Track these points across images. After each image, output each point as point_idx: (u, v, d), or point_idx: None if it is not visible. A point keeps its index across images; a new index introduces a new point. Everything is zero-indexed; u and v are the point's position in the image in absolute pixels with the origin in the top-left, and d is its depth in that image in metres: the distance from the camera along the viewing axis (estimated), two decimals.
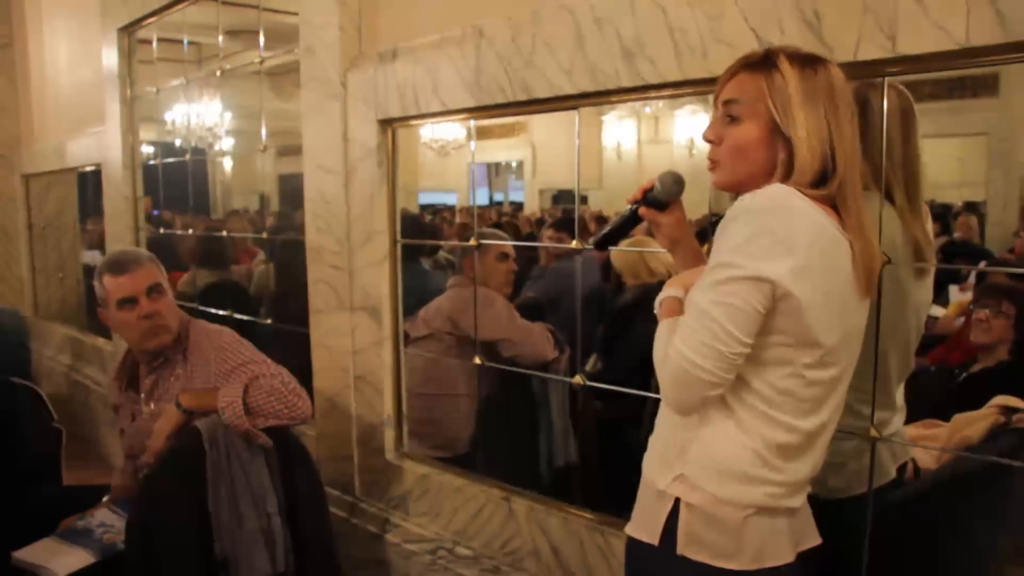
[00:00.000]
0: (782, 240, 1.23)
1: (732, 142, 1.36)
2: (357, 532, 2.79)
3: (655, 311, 1.43)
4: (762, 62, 1.33)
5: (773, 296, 1.24)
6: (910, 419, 1.81)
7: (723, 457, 1.33)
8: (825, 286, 1.27)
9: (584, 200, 2.37)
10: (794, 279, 1.23)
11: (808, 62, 1.32)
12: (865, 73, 1.58)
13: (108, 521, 2.38)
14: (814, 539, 1.44)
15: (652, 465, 1.44)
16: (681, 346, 1.26)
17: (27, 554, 2.26)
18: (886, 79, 1.57)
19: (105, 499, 2.51)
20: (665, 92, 1.97)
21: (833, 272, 1.28)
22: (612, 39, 1.96)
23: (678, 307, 1.36)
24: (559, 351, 2.86)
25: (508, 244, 3.01)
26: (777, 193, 1.26)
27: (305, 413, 2.21)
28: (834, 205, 1.30)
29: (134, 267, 2.34)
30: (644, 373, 2.70)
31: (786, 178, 1.31)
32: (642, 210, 1.52)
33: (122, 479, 2.55)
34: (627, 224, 1.57)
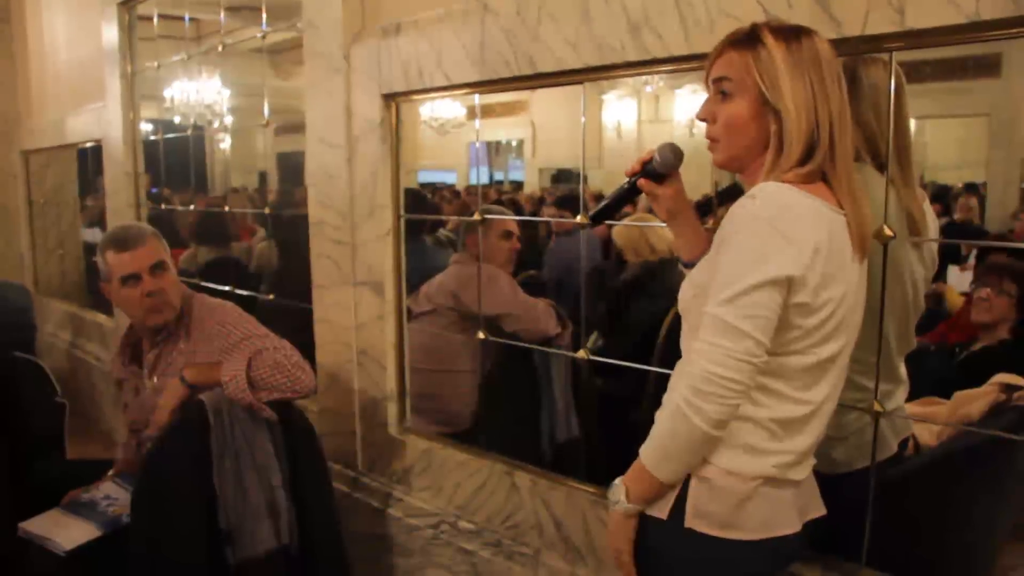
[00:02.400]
0: (792, 239, 1.25)
1: (725, 119, 1.38)
2: (359, 506, 2.80)
3: (619, 500, 1.42)
4: (748, 38, 1.35)
5: (788, 300, 1.27)
6: (910, 398, 1.82)
7: (732, 431, 1.33)
8: (833, 273, 1.29)
9: (584, 179, 2.37)
10: (807, 270, 1.25)
11: (793, 35, 1.33)
12: (873, 48, 1.58)
13: (113, 494, 2.39)
14: (819, 510, 1.47)
15: None
16: (709, 365, 1.26)
17: (33, 525, 2.28)
18: (893, 54, 1.57)
19: (110, 473, 2.52)
20: (671, 67, 1.96)
21: (838, 253, 1.30)
22: (618, 12, 1.94)
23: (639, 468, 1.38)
24: (562, 327, 2.87)
25: (511, 219, 3.02)
26: (772, 195, 1.28)
27: (309, 386, 2.21)
28: (823, 179, 1.33)
29: (138, 244, 2.34)
30: (644, 350, 2.72)
31: (779, 151, 1.33)
32: (640, 182, 1.53)
33: (126, 453, 2.56)
34: (625, 196, 1.58)
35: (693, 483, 1.36)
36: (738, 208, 1.30)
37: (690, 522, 1.36)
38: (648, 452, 1.37)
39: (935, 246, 1.75)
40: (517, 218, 3.17)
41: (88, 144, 5.12)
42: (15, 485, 2.58)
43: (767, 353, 1.28)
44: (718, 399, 1.25)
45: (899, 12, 1.49)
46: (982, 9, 1.40)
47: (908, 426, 1.80)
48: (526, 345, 2.79)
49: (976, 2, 1.40)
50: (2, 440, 2.63)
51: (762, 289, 1.25)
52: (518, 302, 2.87)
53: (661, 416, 1.38)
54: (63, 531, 2.24)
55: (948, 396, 2.15)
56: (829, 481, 1.53)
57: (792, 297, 1.27)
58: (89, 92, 4.84)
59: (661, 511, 1.40)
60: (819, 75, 1.31)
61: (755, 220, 1.27)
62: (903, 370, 1.76)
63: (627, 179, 1.55)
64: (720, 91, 1.38)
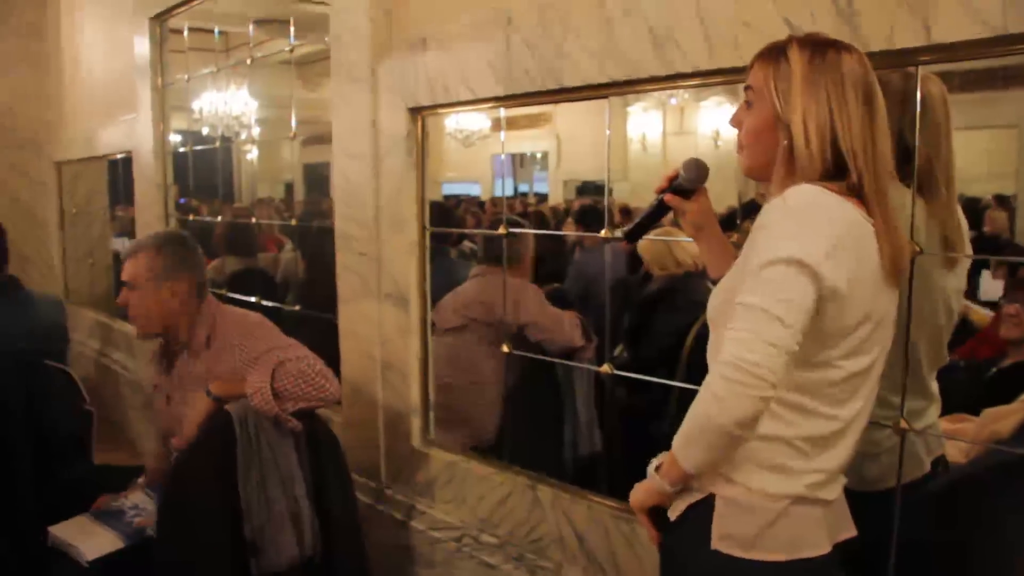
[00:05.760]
0: (819, 231, 1.23)
1: (746, 127, 1.40)
2: (383, 519, 2.81)
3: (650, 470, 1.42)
4: (774, 51, 1.36)
5: (819, 292, 1.23)
6: (941, 414, 1.79)
7: (759, 450, 1.32)
8: (859, 275, 1.27)
9: (609, 192, 2.38)
10: (834, 268, 1.22)
11: (821, 49, 1.32)
12: (899, 62, 1.57)
13: (141, 504, 2.42)
14: (850, 531, 1.43)
15: None
16: (737, 350, 1.19)
17: (61, 531, 2.31)
18: (920, 67, 1.56)
19: (140, 480, 2.55)
20: (696, 81, 1.97)
21: (865, 261, 1.29)
22: (642, 26, 1.95)
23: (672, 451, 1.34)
24: (587, 340, 2.87)
25: (531, 233, 3.02)
26: (805, 191, 1.28)
27: (334, 394, 2.22)
28: (858, 196, 1.31)
29: (126, 257, 2.39)
30: (669, 364, 2.71)
31: (790, 165, 1.33)
32: (668, 197, 1.56)
33: (156, 463, 2.58)
34: (656, 213, 1.61)
35: (719, 504, 1.34)
36: (767, 207, 1.30)
37: (716, 544, 1.34)
38: (677, 436, 1.31)
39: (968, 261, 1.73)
40: (542, 232, 3.17)
41: (119, 155, 5.19)
42: (42, 492, 2.62)
43: (799, 360, 1.25)
44: (744, 389, 1.18)
45: (925, 27, 1.48)
46: (1010, 23, 1.38)
47: (942, 444, 1.78)
48: (550, 359, 2.79)
49: (1004, 16, 1.39)
50: (32, 447, 2.67)
51: (778, 266, 1.21)
52: (545, 313, 2.87)
53: (695, 400, 1.28)
54: (88, 540, 2.27)
55: (977, 413, 2.12)
56: (862, 499, 1.51)
57: (827, 300, 1.24)
58: (120, 104, 4.92)
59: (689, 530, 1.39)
60: (839, 92, 1.29)
61: (780, 212, 1.27)
62: (935, 387, 1.73)
63: (656, 196, 1.58)
64: (746, 100, 1.40)
